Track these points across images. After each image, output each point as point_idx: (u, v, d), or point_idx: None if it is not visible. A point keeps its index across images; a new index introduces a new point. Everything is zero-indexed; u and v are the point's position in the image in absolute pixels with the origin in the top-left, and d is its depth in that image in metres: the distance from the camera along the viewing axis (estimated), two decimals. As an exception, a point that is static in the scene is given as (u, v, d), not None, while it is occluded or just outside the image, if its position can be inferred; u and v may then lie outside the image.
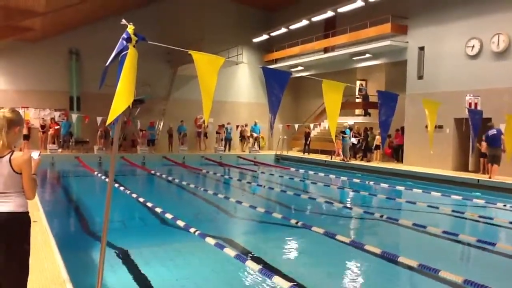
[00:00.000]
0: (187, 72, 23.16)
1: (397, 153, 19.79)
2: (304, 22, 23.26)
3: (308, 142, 24.08)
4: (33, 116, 22.57)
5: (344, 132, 20.23)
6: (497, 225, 9.05)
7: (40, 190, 12.20)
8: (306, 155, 23.31)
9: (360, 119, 23.98)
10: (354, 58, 21.59)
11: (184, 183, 13.75)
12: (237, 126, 25.96)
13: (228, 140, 25.30)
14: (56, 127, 21.73)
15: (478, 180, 14.11)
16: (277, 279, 4.89)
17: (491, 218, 9.47)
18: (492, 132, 13.79)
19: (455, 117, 16.47)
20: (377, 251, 6.29)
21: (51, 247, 5.63)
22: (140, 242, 7.29)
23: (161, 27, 23.11)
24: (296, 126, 24.77)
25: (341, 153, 20.42)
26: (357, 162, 19.99)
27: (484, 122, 14.14)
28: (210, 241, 6.41)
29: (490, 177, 14.01)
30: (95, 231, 7.77)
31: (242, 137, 25.62)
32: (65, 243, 6.59)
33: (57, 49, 22.95)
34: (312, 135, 25.59)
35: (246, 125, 25.77)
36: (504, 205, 10.77)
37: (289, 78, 4.84)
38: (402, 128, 19.37)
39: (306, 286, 5.19)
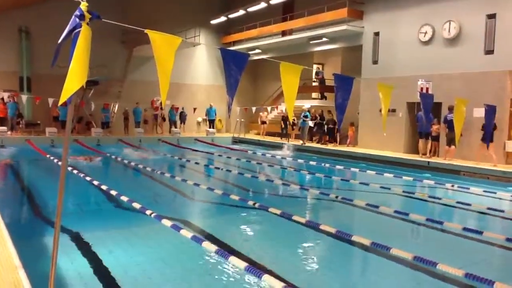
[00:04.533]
0: (143, 53, 22.71)
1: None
2: (263, 5, 23.19)
3: (286, 127, 22.88)
4: (-20, 97, 21.54)
5: (306, 116, 20.42)
6: (445, 205, 9.47)
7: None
8: (285, 140, 22.04)
9: (316, 103, 24.29)
10: (311, 42, 21.77)
11: (140, 166, 13.57)
12: (194, 109, 25.80)
13: (172, 122, 25.07)
14: None
15: (429, 162, 14.67)
16: (233, 259, 4.94)
17: (439, 198, 9.91)
18: (450, 116, 14.25)
19: (407, 101, 16.98)
20: (332, 230, 6.46)
21: (2, 233, 5.45)
22: (96, 226, 7.18)
23: (118, 7, 22.43)
24: (254, 109, 24.82)
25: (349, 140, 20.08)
26: (314, 144, 20.29)
27: (435, 106, 14.72)
28: (167, 223, 6.38)
29: (436, 156, 14.68)
30: (48, 216, 7.58)
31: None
32: (17, 228, 6.41)
33: (5, 27, 21.88)
34: (270, 118, 25.73)
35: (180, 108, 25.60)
36: (452, 186, 11.29)
37: (248, 60, 4.85)
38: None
39: (262, 265, 5.28)
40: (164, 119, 25.10)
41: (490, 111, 11.32)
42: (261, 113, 24.88)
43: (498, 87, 14.49)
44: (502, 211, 8.74)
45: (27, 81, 22.33)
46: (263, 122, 24.86)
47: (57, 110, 21.12)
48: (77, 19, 3.19)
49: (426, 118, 12.44)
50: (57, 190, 3.56)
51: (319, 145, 19.99)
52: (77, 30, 3.21)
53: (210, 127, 25.68)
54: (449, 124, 14.36)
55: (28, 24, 22.34)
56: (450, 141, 14.55)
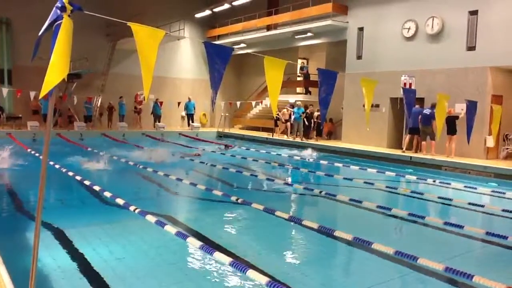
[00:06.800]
0: (127, 46, 22.46)
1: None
2: (248, -1, 23.13)
3: (314, 126, 20.67)
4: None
5: (303, 112, 20.32)
6: (427, 200, 9.58)
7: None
8: (316, 141, 19.85)
9: (301, 97, 24.34)
10: (296, 37, 21.79)
11: (123, 160, 13.44)
12: (178, 103, 25.54)
13: (156, 116, 24.83)
14: None
15: (411, 157, 14.83)
16: (218, 254, 4.94)
17: (421, 193, 10.01)
18: (426, 111, 14.47)
19: (391, 97, 17.12)
20: (315, 225, 6.49)
21: (-19, 228, 5.37)
22: (79, 222, 7.09)
23: (99, -2, 22.15)
24: (238, 103, 24.76)
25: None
26: (298, 139, 20.33)
27: (418, 102, 14.89)
28: (151, 218, 6.34)
29: (419, 151, 14.90)
30: (29, 211, 7.46)
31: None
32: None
33: (-16, 18, 21.45)
34: (254, 112, 25.69)
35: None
36: (434, 181, 11.42)
37: (231, 54, 4.83)
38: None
39: (246, 260, 5.29)
40: (140, 112, 24.63)
41: (472, 106, 11.47)
42: (284, 110, 21.37)
43: (479, 83, 14.69)
44: (482, 205, 8.88)
45: (7, 73, 21.91)
46: (287, 121, 21.28)
47: (39, 104, 20.83)
48: (58, 11, 3.14)
49: (408, 112, 12.55)
50: (38, 184, 3.51)
51: (304, 140, 20.05)
52: (58, 22, 3.15)
53: (189, 122, 25.41)
54: (423, 120, 14.66)
55: (8, 16, 21.92)
56: (425, 136, 14.85)
